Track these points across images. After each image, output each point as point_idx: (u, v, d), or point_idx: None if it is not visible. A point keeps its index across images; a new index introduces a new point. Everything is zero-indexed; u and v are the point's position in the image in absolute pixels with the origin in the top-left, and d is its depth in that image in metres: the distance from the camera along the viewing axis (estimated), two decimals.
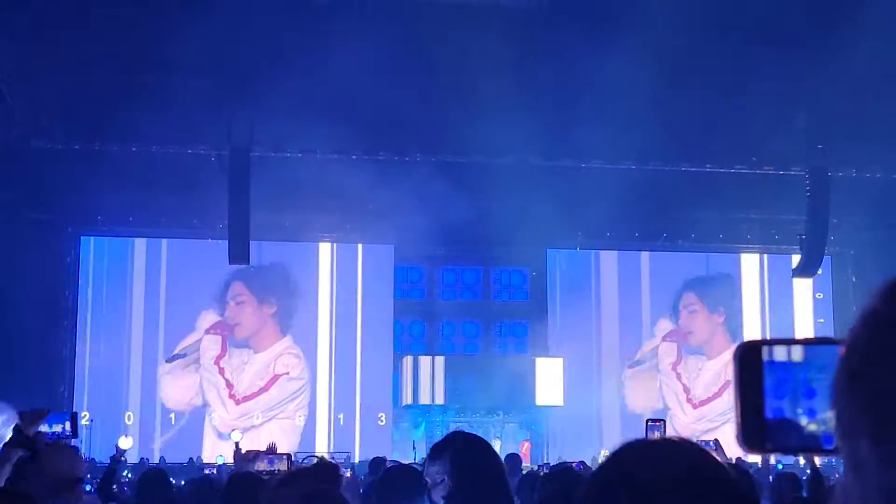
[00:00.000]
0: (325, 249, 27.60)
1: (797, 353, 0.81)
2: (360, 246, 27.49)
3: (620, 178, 23.11)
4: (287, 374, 26.95)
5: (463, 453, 3.76)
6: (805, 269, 24.55)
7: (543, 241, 26.84)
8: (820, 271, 25.32)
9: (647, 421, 6.26)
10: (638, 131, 21.09)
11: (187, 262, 26.83)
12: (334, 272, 27.56)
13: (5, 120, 21.55)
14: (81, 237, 26.64)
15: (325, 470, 4.25)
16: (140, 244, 26.87)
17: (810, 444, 0.79)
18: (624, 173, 23.40)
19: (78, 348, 26.08)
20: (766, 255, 28.82)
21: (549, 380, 26.00)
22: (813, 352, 0.80)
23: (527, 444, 25.20)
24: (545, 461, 20.87)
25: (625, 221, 25.90)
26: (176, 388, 26.54)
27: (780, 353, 0.82)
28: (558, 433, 26.15)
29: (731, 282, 28.83)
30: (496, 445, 3.93)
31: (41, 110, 21.65)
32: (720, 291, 28.64)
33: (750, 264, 29.01)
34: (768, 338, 0.82)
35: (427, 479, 3.79)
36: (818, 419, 0.77)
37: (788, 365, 0.81)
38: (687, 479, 1.50)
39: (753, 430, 0.81)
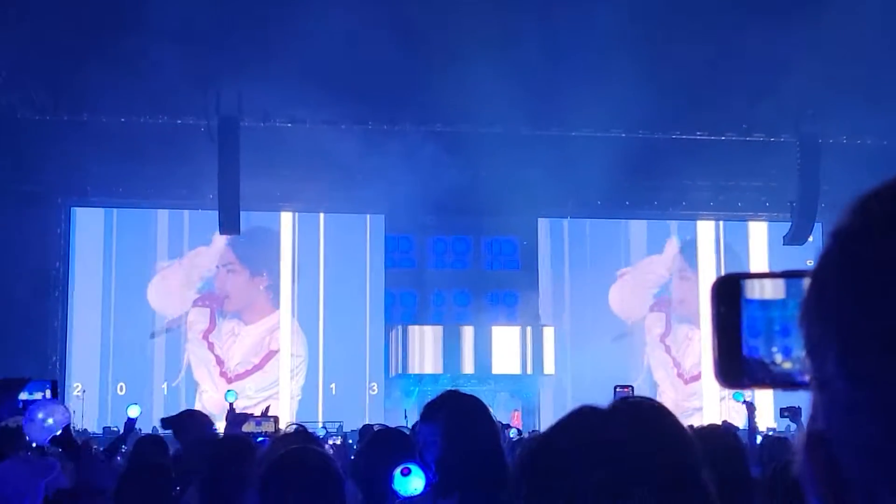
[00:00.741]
0: (315, 220, 27.56)
1: (776, 287, 0.80)
2: (350, 216, 27.47)
3: (610, 146, 23.10)
4: (279, 350, 27.00)
5: (456, 416, 3.64)
6: (796, 237, 24.59)
7: (534, 210, 26.83)
8: (811, 238, 25.35)
9: (616, 387, 6.24)
10: (628, 99, 21.03)
11: (180, 231, 26.83)
12: (321, 242, 27.56)
13: None
14: (72, 208, 26.59)
15: (303, 434, 4.25)
16: (133, 214, 26.82)
17: (789, 379, 0.77)
18: (614, 141, 23.39)
19: (70, 319, 26.08)
20: (755, 223, 28.83)
21: (540, 349, 26.04)
22: (792, 285, 0.79)
23: (517, 414, 25.25)
24: (536, 429, 20.93)
25: (615, 190, 25.89)
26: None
27: (758, 287, 0.81)
28: (551, 402, 26.21)
29: (720, 249, 28.88)
30: None
31: (29, 81, 21.53)
32: (708, 259, 28.69)
33: (740, 231, 29.03)
34: (746, 271, 0.81)
35: (419, 438, 3.71)
36: (797, 353, 0.76)
37: (767, 299, 0.80)
38: (602, 443, 1.48)
39: (731, 365, 0.79)
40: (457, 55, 19.59)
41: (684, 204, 27.62)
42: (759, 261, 28.69)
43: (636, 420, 1.53)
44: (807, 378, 0.73)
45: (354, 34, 19.53)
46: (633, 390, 6.00)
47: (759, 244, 28.84)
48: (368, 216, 27.41)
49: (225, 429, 6.30)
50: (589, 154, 22.81)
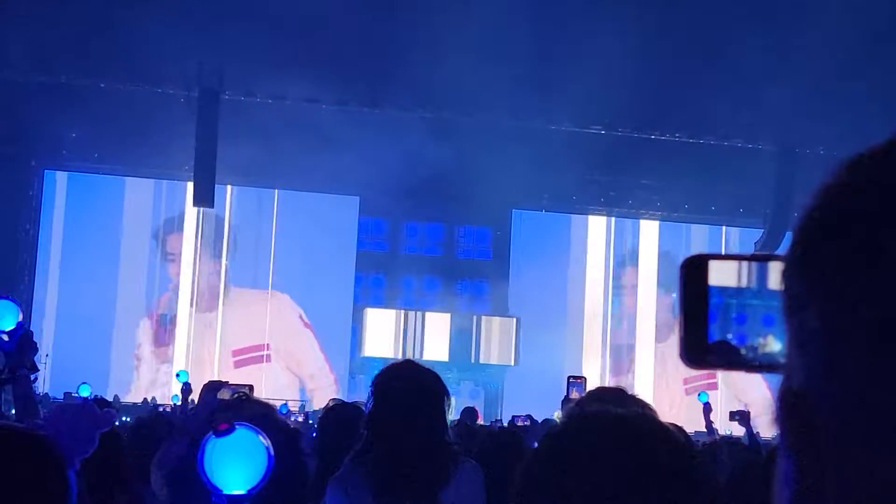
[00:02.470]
0: (289, 197, 27.49)
1: (744, 270, 0.80)
2: (325, 196, 27.39)
3: (590, 142, 23.14)
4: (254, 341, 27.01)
5: (383, 377, 3.63)
6: (767, 244, 24.72)
7: (509, 201, 26.86)
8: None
9: (569, 378, 6.22)
10: (610, 97, 21.07)
11: (148, 202, 26.71)
12: (289, 221, 27.50)
13: None
14: (45, 171, 26.38)
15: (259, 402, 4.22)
16: (105, 181, 26.66)
17: (755, 360, 0.78)
18: (593, 138, 23.42)
19: (36, 284, 25.91)
20: (729, 228, 28.93)
21: (503, 339, 26.16)
22: (760, 268, 0.80)
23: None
24: (498, 419, 20.98)
25: (591, 186, 25.95)
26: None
27: (726, 269, 0.81)
28: (512, 392, 26.30)
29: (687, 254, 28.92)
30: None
31: (5, 42, 21.31)
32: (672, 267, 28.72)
33: (712, 236, 29.14)
34: (715, 252, 0.82)
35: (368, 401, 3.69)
36: (763, 334, 0.77)
37: (736, 279, 0.81)
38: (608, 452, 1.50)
39: (696, 345, 0.80)
40: (441, 41, 19.56)
41: (658, 205, 27.71)
42: None
43: (625, 428, 1.55)
44: (775, 352, 0.74)
45: (340, 14, 19.46)
46: (584, 382, 5.99)
47: (737, 249, 28.93)
48: (343, 197, 27.32)
49: (199, 398, 6.19)
50: (568, 149, 22.84)
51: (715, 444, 7.03)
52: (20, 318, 3.83)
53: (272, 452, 2.40)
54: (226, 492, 2.35)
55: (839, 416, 0.66)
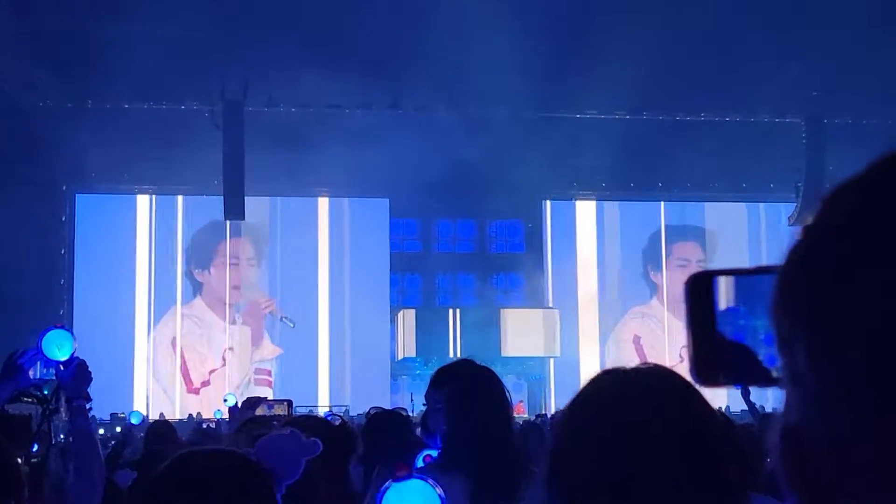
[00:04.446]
0: (321, 205, 27.53)
1: (752, 283, 0.80)
2: (354, 200, 27.42)
3: (615, 127, 23.05)
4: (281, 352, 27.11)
5: (467, 384, 3.43)
6: (801, 218, 24.54)
7: (539, 192, 26.81)
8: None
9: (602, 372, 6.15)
10: (632, 81, 20.98)
11: (179, 218, 26.84)
12: (325, 227, 27.55)
13: None
14: (76, 195, 26.58)
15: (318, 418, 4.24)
16: (136, 201, 26.80)
17: (763, 377, 0.78)
18: (619, 123, 23.34)
19: (74, 307, 26.12)
20: (761, 205, 28.64)
21: (544, 331, 26.07)
22: (767, 282, 0.79)
23: (520, 405, 25.20)
24: (543, 412, 20.97)
25: (620, 171, 25.84)
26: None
27: (733, 284, 0.81)
28: (557, 384, 26.30)
29: (721, 233, 28.70)
30: None
31: (32, 68, 21.51)
32: (712, 243, 28.55)
33: (744, 213, 28.89)
34: (718, 268, 0.82)
35: (426, 403, 3.57)
36: (770, 351, 0.76)
37: (742, 295, 0.80)
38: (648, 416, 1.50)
39: (706, 363, 0.80)
40: (462, 40, 19.54)
41: (688, 185, 27.51)
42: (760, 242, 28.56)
43: (661, 394, 1.54)
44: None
45: (358, 16, 19.50)
46: None
47: (770, 225, 28.69)
48: (373, 200, 27.32)
49: (238, 415, 6.26)
50: (593, 136, 22.77)
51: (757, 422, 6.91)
52: (75, 347, 3.84)
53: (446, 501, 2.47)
54: None
55: (830, 453, 0.66)
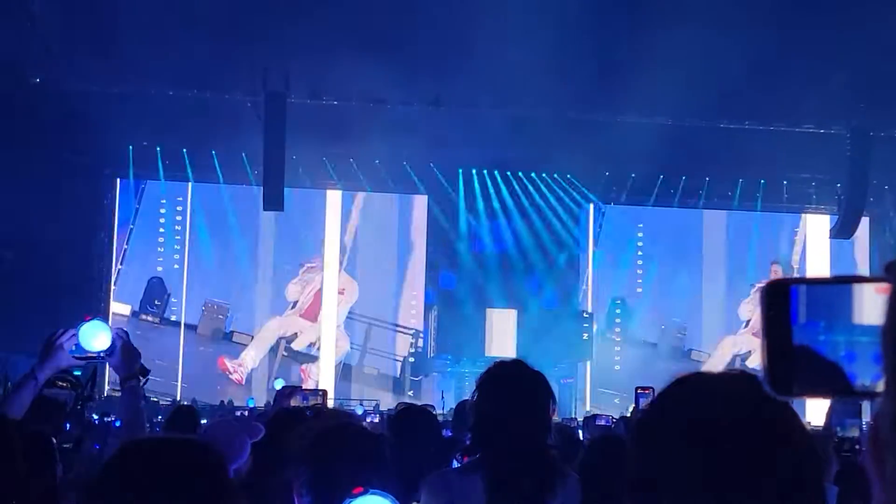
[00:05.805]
0: (358, 199, 27.59)
1: (828, 293, 0.78)
2: (395, 196, 27.47)
3: (658, 134, 22.89)
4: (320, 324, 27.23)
5: (492, 384, 3.39)
6: (842, 230, 24.31)
7: (580, 195, 26.77)
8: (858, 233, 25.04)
9: (637, 389, 6.13)
10: (677, 87, 20.82)
11: (222, 206, 26.99)
12: (355, 221, 27.62)
13: (43, 62, 21.62)
14: (119, 179, 26.80)
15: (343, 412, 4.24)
16: (177, 188, 27.01)
17: (839, 388, 0.75)
18: (662, 129, 23.17)
19: (112, 292, 26.38)
20: (805, 215, 28.35)
21: (576, 335, 26.02)
22: (845, 292, 0.77)
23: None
24: (573, 416, 20.88)
25: (661, 178, 25.71)
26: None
27: (809, 293, 0.79)
28: (593, 388, 26.32)
29: (766, 242, 28.51)
30: None
31: (78, 52, 21.65)
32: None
33: (785, 223, 28.67)
34: (797, 276, 0.80)
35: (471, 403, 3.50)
36: (847, 361, 0.74)
37: (818, 305, 0.78)
38: (745, 420, 1.47)
39: (781, 373, 0.77)
40: (505, 34, 19.48)
41: (730, 195, 27.29)
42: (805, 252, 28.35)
43: (757, 397, 1.51)
44: (866, 385, 0.71)
45: (404, 12, 19.51)
46: (653, 392, 5.79)
47: (811, 236, 28.49)
48: (413, 196, 27.35)
49: (273, 402, 6.43)
50: (636, 142, 22.62)
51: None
52: (113, 336, 3.82)
53: None
54: None
55: None
